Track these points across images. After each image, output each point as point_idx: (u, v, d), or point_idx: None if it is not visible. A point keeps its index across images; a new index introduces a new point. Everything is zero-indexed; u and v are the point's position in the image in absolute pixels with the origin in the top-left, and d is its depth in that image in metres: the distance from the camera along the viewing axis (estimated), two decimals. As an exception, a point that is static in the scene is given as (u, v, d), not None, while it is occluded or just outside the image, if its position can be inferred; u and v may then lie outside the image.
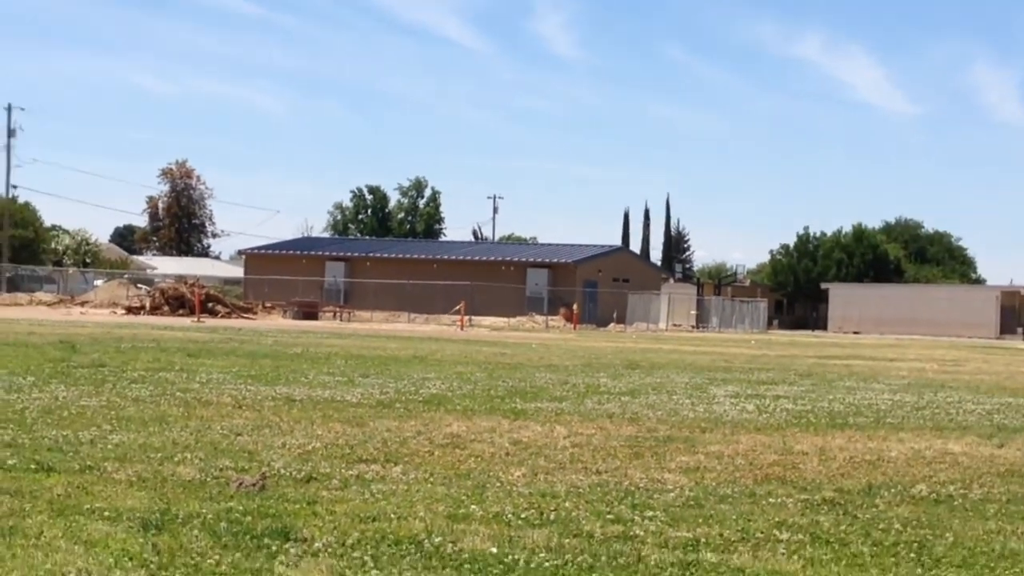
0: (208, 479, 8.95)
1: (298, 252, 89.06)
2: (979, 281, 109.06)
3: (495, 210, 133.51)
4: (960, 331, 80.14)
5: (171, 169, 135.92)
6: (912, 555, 7.31)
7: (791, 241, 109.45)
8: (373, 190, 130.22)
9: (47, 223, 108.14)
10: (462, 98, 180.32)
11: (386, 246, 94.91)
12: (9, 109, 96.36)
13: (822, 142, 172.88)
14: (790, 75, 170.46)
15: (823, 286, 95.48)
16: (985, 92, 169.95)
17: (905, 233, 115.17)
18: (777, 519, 8.29)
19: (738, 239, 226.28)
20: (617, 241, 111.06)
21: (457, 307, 67.03)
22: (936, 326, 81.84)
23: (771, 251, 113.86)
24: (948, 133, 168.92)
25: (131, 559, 6.38)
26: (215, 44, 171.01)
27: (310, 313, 66.93)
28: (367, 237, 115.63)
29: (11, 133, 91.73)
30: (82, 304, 66.34)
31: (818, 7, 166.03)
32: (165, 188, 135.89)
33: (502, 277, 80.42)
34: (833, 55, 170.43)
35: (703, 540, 7.49)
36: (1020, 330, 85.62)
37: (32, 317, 46.97)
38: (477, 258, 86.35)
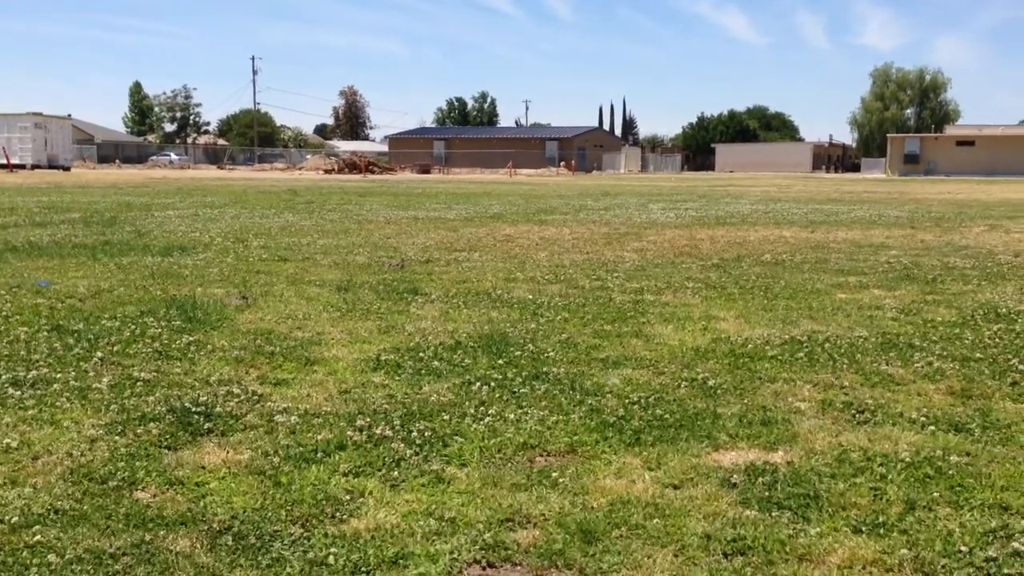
0: (372, 262, 8.99)
1: (418, 136, 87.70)
2: (800, 139, 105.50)
3: (527, 107, 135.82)
4: (789, 169, 78.44)
5: (345, 90, 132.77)
6: (761, 292, 7.28)
7: (694, 120, 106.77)
8: (458, 99, 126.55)
9: (278, 123, 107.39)
10: (508, 43, 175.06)
11: (467, 131, 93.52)
12: (253, 59, 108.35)
13: (710, 63, 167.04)
14: (694, 24, 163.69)
15: (713, 146, 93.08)
16: (807, 28, 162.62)
17: (758, 113, 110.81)
18: (686, 276, 8.25)
19: (664, 120, 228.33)
20: (595, 123, 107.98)
21: (508, 164, 66.24)
22: (776, 167, 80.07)
23: (683, 126, 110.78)
24: (784, 53, 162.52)
25: (332, 306, 6.44)
26: (380, 19, 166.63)
27: (425, 170, 66.24)
28: (456, 126, 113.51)
29: (255, 71, 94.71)
30: (299, 169, 65.88)
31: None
32: (342, 101, 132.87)
33: (532, 147, 79.47)
34: (718, 11, 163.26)
35: (645, 288, 7.48)
36: (823, 168, 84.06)
37: (272, 177, 46.85)
38: (518, 136, 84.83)
